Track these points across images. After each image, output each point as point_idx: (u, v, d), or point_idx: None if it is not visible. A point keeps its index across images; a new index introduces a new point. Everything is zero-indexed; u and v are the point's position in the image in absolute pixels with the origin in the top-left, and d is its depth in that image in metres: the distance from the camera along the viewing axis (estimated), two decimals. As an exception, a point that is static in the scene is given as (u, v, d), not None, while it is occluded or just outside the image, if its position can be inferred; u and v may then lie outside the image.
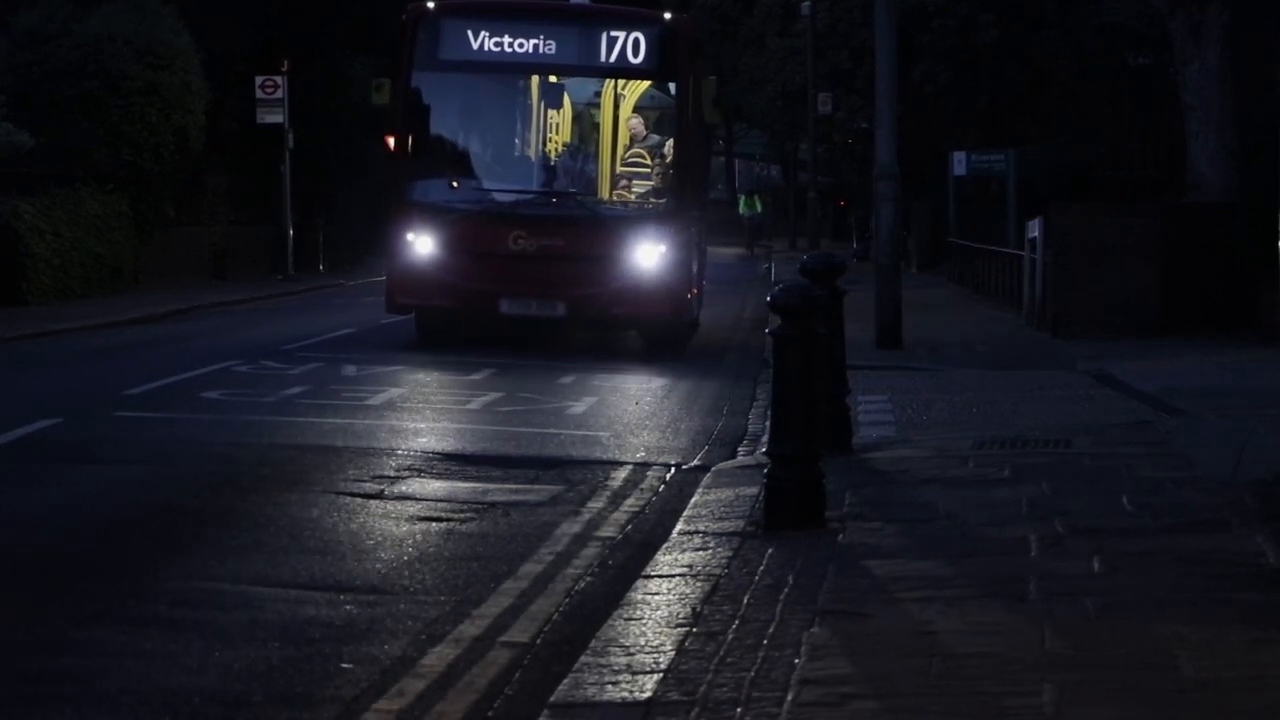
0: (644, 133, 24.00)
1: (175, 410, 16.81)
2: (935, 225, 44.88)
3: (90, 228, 33.98)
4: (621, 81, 23.80)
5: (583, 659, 7.55)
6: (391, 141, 23.48)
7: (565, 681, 7.23)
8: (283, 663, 8.01)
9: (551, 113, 24.19)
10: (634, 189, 23.78)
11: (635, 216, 23.10)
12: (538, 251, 22.29)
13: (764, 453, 10.62)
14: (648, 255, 22.53)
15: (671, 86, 23.54)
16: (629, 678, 7.18)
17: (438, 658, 8.20)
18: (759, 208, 66.88)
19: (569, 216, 22.81)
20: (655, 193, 23.56)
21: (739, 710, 6.67)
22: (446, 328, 23.33)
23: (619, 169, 23.85)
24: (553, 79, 24.07)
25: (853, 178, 57.70)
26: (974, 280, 36.78)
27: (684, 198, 23.38)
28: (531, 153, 24.23)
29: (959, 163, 39.30)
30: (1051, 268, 26.24)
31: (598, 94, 24.08)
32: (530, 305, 22.57)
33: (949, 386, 19.52)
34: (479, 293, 22.32)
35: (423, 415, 16.82)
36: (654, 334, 23.48)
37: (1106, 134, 42.70)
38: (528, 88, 24.10)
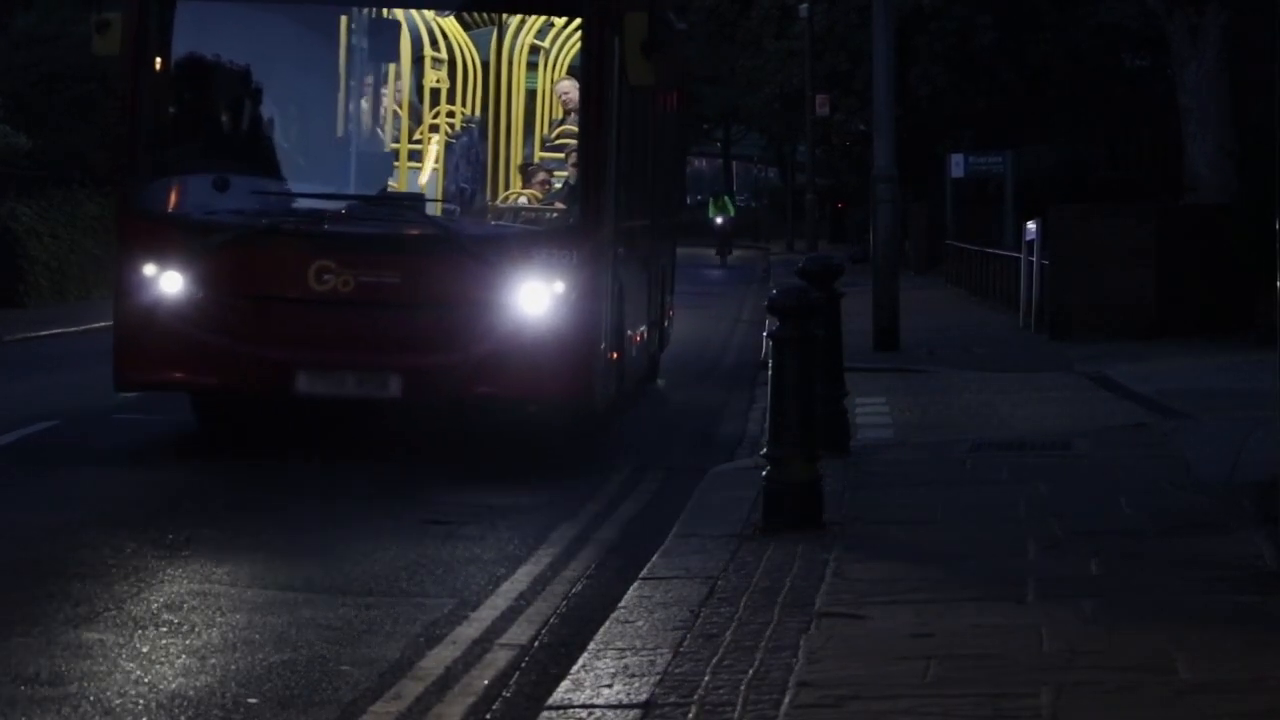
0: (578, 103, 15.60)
1: (172, 413, 16.80)
2: (933, 227, 44.91)
3: (88, 230, 33.98)
4: (515, 22, 16.05)
5: (580, 661, 7.55)
6: (122, 115, 15.27)
7: (563, 684, 7.23)
8: (280, 665, 8.01)
9: (386, 69, 16.24)
10: (553, 186, 15.99)
11: (519, 237, 14.83)
12: (356, 294, 14.11)
13: (762, 455, 10.60)
14: (534, 298, 14.24)
15: (574, 24, 15.41)
16: (626, 680, 7.18)
17: (436, 660, 8.21)
18: (731, 210, 65.56)
19: (406, 237, 14.55)
20: (559, 197, 15.67)
21: (736, 712, 6.67)
22: (234, 408, 15.80)
23: (538, 156, 16.26)
24: (387, 13, 15.92)
25: (851, 179, 57.70)
26: (971, 282, 36.80)
27: (599, 202, 14.78)
28: (350, 134, 15.95)
29: (957, 165, 39.34)
30: (1049, 270, 26.25)
31: (467, 37, 16.11)
32: (344, 381, 14.33)
33: (947, 388, 19.51)
34: (261, 362, 14.18)
35: (421, 416, 16.80)
36: (552, 416, 15.95)
37: (1104, 136, 42.73)
38: (342, 27, 15.75)
